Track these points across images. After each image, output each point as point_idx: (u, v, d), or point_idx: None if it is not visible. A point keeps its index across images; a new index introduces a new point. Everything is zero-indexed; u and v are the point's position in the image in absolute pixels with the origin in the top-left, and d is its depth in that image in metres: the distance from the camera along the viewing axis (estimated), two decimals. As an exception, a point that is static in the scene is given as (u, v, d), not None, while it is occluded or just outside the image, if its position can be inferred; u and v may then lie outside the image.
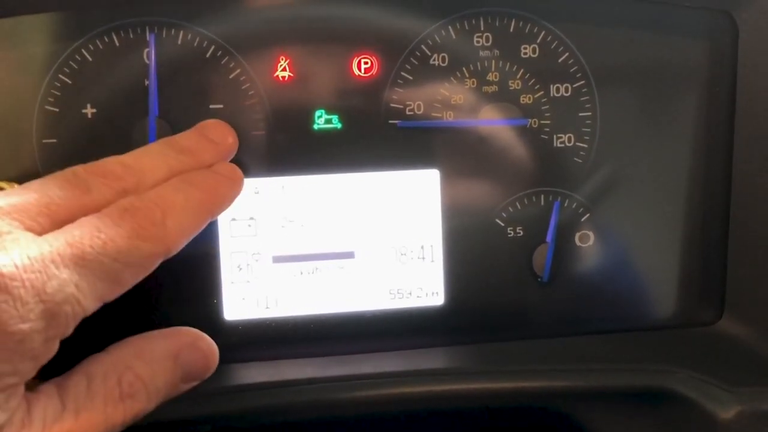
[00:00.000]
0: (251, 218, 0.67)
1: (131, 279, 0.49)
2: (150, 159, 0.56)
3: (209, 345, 0.58)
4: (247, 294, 0.68)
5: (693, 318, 0.73)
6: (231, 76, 0.66)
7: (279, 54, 0.66)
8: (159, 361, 0.54)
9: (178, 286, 0.68)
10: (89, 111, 0.65)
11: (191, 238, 0.55)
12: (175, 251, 0.53)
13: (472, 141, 0.68)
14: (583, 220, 0.71)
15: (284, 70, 0.66)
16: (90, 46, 0.64)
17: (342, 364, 0.67)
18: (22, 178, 0.65)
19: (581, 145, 0.70)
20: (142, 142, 0.64)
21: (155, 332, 0.56)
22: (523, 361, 0.67)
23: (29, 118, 0.64)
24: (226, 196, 0.60)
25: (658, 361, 0.66)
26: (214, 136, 0.63)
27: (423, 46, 0.67)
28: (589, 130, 0.70)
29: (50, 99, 0.64)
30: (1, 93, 0.64)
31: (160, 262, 0.51)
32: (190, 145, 0.60)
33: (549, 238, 0.70)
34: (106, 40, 0.64)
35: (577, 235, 0.71)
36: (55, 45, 0.64)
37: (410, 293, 0.69)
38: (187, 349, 0.56)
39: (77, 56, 0.64)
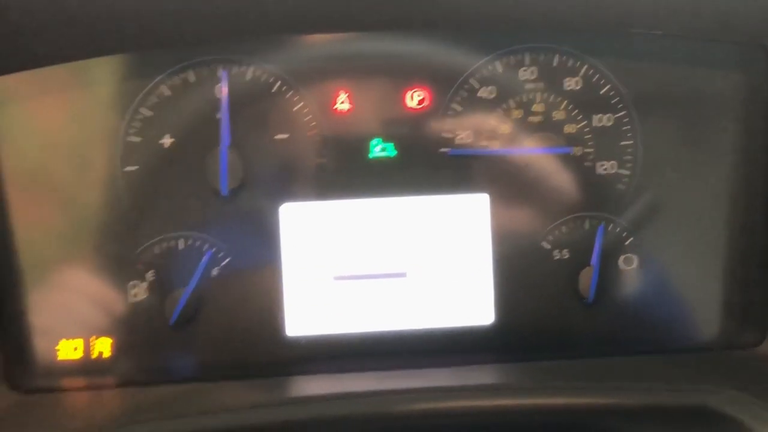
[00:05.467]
0: (313, 240, 0.72)
1: None
2: None
3: None
4: (308, 311, 0.73)
5: (735, 340, 0.75)
6: (295, 109, 0.72)
7: (338, 88, 0.72)
8: None
9: (242, 304, 0.73)
10: (167, 141, 0.71)
11: None
12: None
13: (519, 168, 0.72)
14: (626, 243, 0.74)
15: (343, 103, 0.72)
16: (169, 81, 0.71)
17: (397, 378, 0.70)
18: (106, 202, 0.71)
19: (623, 172, 0.73)
20: (214, 169, 0.70)
21: None
22: (569, 379, 0.69)
23: (114, 148, 0.71)
24: None
25: (701, 381, 0.68)
26: None
27: (472, 80, 0.72)
28: (630, 157, 0.73)
29: (132, 130, 0.71)
30: (90, 124, 0.71)
31: None
32: None
33: (594, 261, 0.73)
34: (184, 76, 0.71)
35: (621, 258, 0.74)
36: (138, 81, 0.71)
37: (461, 313, 0.73)
38: None
39: (157, 91, 0.71)
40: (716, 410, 0.65)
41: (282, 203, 0.72)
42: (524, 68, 0.72)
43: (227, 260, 0.72)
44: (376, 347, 0.73)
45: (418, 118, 0.72)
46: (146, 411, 0.67)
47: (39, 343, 0.72)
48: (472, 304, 0.73)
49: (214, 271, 0.72)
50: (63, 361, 0.72)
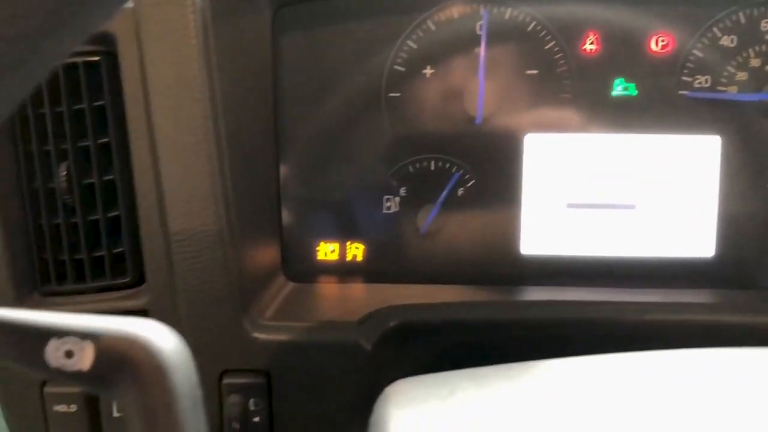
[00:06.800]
0: (551, 168, 0.80)
1: None
2: None
3: None
4: (542, 233, 0.81)
5: None
6: (546, 48, 0.79)
7: (588, 30, 0.78)
8: None
9: (483, 222, 0.81)
10: (428, 71, 0.79)
11: None
12: None
13: (753, 113, 0.78)
14: None
15: (592, 44, 0.78)
16: (435, 17, 0.79)
17: (623, 294, 0.77)
18: (370, 124, 0.81)
19: None
20: (471, 98, 0.78)
21: None
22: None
23: (380, 76, 0.80)
24: None
25: None
26: None
27: (715, 29, 0.77)
28: None
29: (398, 60, 0.79)
30: (362, 53, 0.80)
31: None
32: None
33: (815, 203, 0.78)
34: (448, 13, 0.79)
35: (840, 202, 0.79)
36: (407, 16, 0.79)
37: (683, 244, 0.80)
38: None
39: (423, 26, 0.79)
40: None
41: (527, 133, 0.80)
42: (766, 21, 0.77)
43: (472, 182, 0.81)
44: (602, 269, 0.81)
45: (661, 61, 0.78)
46: (393, 301, 0.74)
47: (303, 244, 0.83)
48: (694, 237, 0.80)
49: (460, 191, 0.81)
50: (321, 261, 0.83)
